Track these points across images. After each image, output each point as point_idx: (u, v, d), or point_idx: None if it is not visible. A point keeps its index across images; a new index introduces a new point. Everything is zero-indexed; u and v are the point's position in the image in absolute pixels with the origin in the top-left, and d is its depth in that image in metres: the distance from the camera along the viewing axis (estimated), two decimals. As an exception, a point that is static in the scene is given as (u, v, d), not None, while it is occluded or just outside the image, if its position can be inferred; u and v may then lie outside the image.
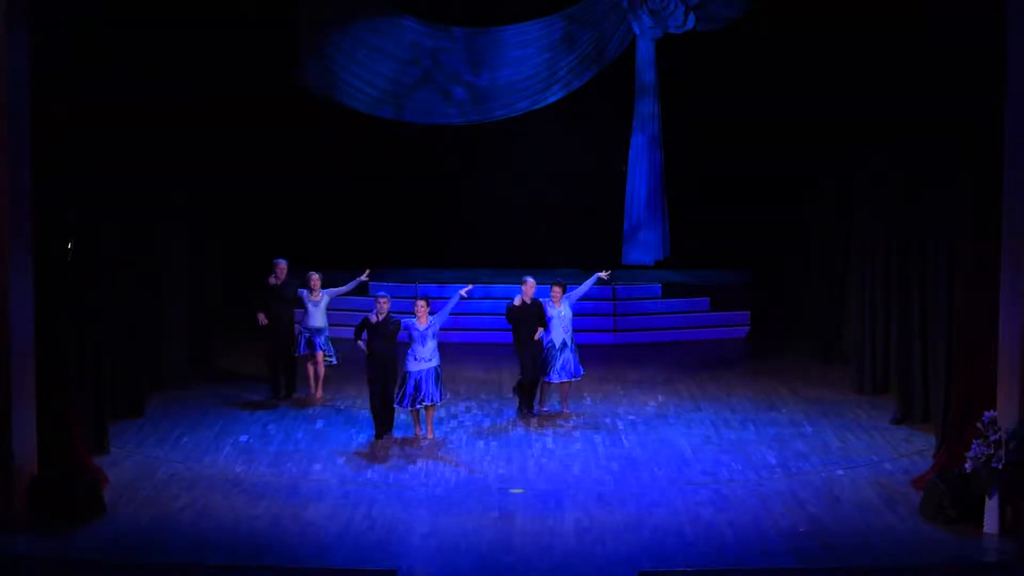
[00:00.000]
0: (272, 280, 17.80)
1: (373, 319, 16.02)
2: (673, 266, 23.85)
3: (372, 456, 15.39)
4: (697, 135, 23.48)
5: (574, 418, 16.99)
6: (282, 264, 17.88)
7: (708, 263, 23.71)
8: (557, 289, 17.05)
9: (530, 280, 17.10)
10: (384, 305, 16.05)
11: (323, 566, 12.11)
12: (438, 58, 23.71)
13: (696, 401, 17.91)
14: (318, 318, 17.69)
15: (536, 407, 17.13)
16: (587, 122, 24.01)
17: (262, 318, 17.70)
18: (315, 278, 17.74)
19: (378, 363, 16.00)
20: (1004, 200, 13.14)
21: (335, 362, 17.91)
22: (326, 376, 17.99)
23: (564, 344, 16.97)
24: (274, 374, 17.93)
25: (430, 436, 16.03)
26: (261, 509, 13.51)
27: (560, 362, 16.94)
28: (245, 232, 22.10)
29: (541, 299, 17.08)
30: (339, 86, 23.67)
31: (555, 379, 17.01)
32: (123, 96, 16.04)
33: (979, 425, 12.87)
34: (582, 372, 17.23)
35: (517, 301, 17.00)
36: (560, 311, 16.99)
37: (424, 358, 15.86)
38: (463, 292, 16.52)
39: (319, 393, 17.83)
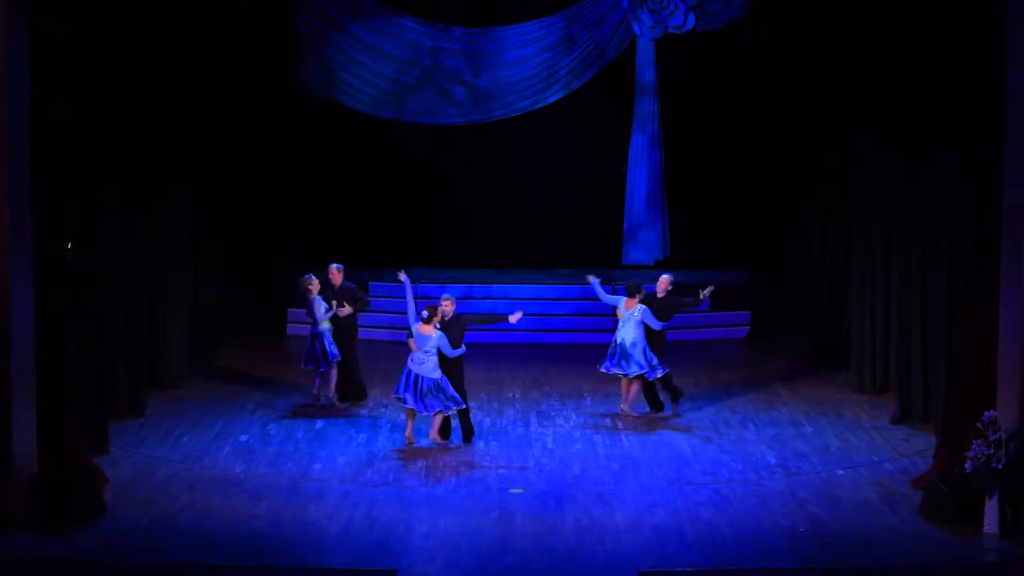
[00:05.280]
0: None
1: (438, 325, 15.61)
2: (673, 266, 23.81)
3: (372, 456, 15.39)
4: (697, 135, 23.51)
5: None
6: (334, 268, 17.56)
7: (708, 263, 23.70)
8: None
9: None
10: (450, 307, 15.68)
11: (323, 566, 12.11)
12: (438, 58, 23.71)
13: (696, 401, 17.91)
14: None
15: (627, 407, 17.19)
16: (587, 122, 24.01)
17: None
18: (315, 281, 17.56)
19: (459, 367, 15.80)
20: (1004, 200, 13.14)
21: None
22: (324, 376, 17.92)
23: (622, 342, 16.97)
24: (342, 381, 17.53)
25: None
26: (261, 509, 13.51)
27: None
28: (245, 232, 22.09)
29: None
30: (339, 86, 23.67)
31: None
32: (123, 96, 16.04)
33: (979, 425, 12.87)
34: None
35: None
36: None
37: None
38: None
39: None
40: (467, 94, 23.85)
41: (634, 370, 16.84)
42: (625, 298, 17.12)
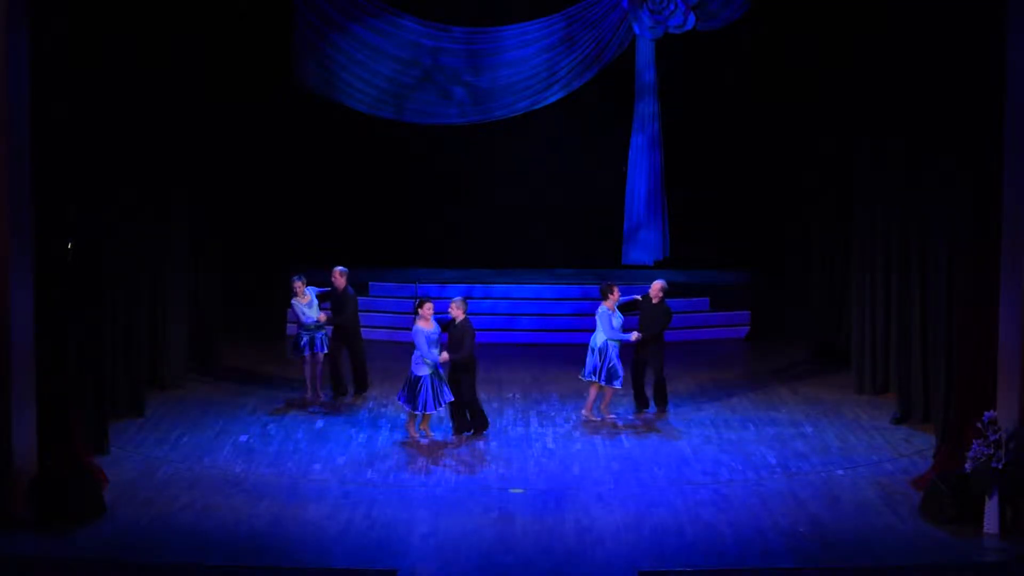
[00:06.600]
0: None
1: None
2: (673, 266, 23.83)
3: (372, 456, 15.39)
4: (697, 135, 23.51)
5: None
6: (338, 271, 17.84)
7: (708, 263, 23.71)
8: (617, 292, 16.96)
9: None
10: (455, 311, 15.99)
11: (323, 566, 12.12)
12: (438, 58, 23.71)
13: (696, 401, 17.91)
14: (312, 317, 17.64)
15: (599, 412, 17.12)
16: (587, 122, 24.01)
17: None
18: (298, 284, 17.65)
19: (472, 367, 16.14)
20: (1004, 200, 13.14)
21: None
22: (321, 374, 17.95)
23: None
24: (338, 376, 17.95)
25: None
26: (261, 509, 13.51)
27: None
28: (245, 232, 22.09)
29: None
30: (339, 86, 23.66)
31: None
32: (123, 96, 16.04)
33: (979, 425, 12.88)
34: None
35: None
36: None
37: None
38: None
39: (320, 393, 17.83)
40: (467, 94, 23.85)
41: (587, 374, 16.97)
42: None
